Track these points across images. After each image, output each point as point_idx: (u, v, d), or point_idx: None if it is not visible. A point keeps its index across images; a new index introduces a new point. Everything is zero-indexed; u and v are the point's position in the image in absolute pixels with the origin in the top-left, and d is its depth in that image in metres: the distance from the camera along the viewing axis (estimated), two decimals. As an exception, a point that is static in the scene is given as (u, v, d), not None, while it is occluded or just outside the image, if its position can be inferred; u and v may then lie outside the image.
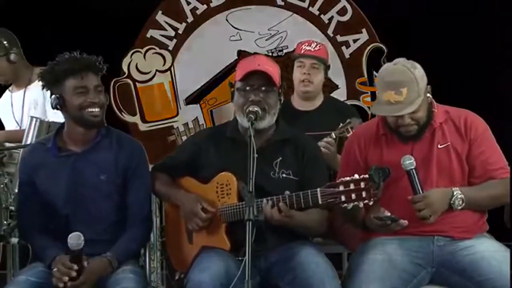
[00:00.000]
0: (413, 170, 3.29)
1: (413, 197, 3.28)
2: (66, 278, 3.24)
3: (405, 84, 3.30)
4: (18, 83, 4.61)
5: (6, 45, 4.56)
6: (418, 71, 3.36)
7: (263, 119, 3.40)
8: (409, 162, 3.29)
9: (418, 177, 3.29)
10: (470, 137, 3.41)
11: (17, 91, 4.61)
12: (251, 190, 3.13)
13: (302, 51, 4.50)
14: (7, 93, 4.72)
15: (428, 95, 3.41)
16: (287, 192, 3.24)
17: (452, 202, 3.32)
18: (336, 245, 4.20)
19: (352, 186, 3.10)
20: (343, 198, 3.12)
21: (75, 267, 3.24)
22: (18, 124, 4.54)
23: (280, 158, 3.45)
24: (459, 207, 3.33)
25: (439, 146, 3.41)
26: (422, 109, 3.37)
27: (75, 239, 3.21)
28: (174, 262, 3.64)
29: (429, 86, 3.41)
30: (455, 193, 3.32)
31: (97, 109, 3.44)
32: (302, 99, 4.54)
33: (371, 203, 3.12)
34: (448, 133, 3.42)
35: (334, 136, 4.23)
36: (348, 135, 4.18)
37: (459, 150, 3.40)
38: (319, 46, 4.52)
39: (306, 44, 4.52)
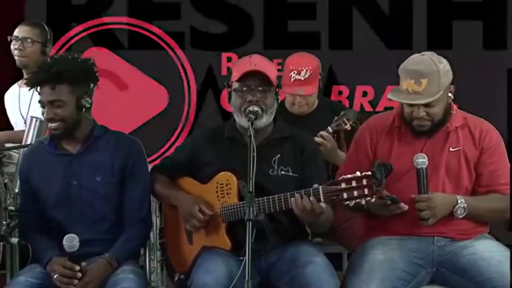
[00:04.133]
0: (424, 169, 3.28)
1: (417, 196, 3.28)
2: (76, 281, 3.25)
3: (427, 75, 3.30)
4: None
5: (48, 37, 4.65)
6: (443, 66, 3.35)
7: (261, 118, 3.39)
8: (422, 160, 3.29)
9: (427, 177, 3.28)
10: (483, 146, 3.40)
11: (27, 87, 4.62)
12: (251, 190, 3.13)
13: (292, 81, 4.29)
14: (15, 87, 4.74)
15: (450, 95, 3.40)
16: (315, 185, 3.20)
17: (454, 210, 3.32)
18: (336, 245, 4.20)
19: (354, 184, 3.10)
20: (345, 195, 3.11)
21: (77, 267, 3.25)
22: (24, 119, 4.54)
23: (279, 156, 3.45)
24: (461, 216, 3.33)
25: (450, 149, 3.40)
26: (439, 105, 3.35)
27: (69, 240, 3.22)
28: (174, 263, 3.63)
29: (453, 86, 3.41)
30: (459, 202, 3.32)
31: (53, 124, 3.42)
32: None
33: (373, 200, 3.11)
34: (462, 138, 3.41)
35: (330, 130, 4.20)
36: (345, 126, 4.15)
37: (469, 156, 3.39)
38: (309, 71, 4.30)
39: (295, 72, 4.31)
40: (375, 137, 3.49)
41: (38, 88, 3.44)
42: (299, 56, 4.45)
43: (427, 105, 3.32)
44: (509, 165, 3.46)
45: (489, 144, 3.40)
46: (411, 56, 3.41)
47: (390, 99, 3.43)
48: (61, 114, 3.41)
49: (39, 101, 3.45)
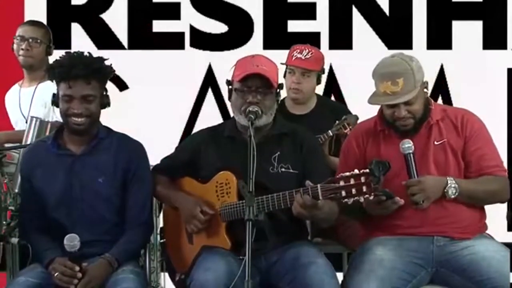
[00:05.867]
0: (411, 154, 3.31)
1: (407, 181, 3.30)
2: (75, 281, 3.26)
3: (402, 75, 3.33)
4: (32, 76, 4.63)
5: (51, 37, 4.68)
6: (415, 64, 3.39)
7: (260, 118, 3.40)
8: (408, 146, 3.32)
9: (415, 162, 3.31)
10: (466, 134, 3.43)
11: (28, 87, 4.63)
12: (251, 189, 3.13)
13: (293, 59, 4.43)
14: (15, 87, 4.74)
15: (426, 90, 3.43)
16: (309, 183, 3.19)
17: (446, 190, 3.33)
18: (336, 245, 4.21)
19: (352, 181, 3.09)
20: (343, 193, 3.11)
21: (77, 268, 3.26)
22: (25, 118, 4.55)
23: (279, 153, 3.46)
24: (453, 196, 3.33)
25: (435, 143, 3.42)
26: (419, 102, 3.39)
27: (70, 240, 3.23)
28: (174, 263, 3.64)
29: (426, 82, 3.44)
30: (449, 182, 3.33)
31: (80, 119, 3.43)
32: (294, 103, 4.52)
33: (371, 197, 3.11)
34: (444, 130, 3.44)
35: (331, 134, 4.23)
36: (345, 131, 4.18)
37: (455, 147, 3.42)
38: (311, 54, 4.44)
39: (298, 50, 4.45)
40: (361, 143, 3.53)
41: (68, 82, 3.40)
42: (306, 44, 4.55)
43: (407, 104, 3.36)
44: (495, 147, 3.49)
45: (471, 131, 3.43)
46: (381, 60, 3.45)
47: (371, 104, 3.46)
48: (91, 109, 3.44)
49: (65, 95, 3.41)
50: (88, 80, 3.41)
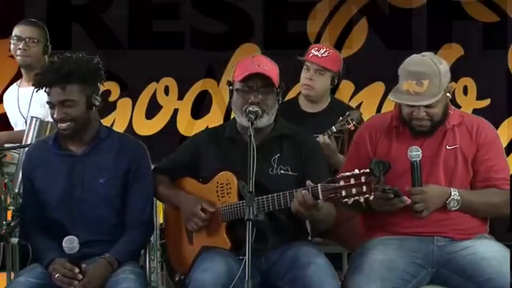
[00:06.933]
0: (418, 162, 3.30)
1: (411, 189, 3.29)
2: (76, 282, 3.27)
3: (428, 76, 3.31)
4: (30, 76, 4.60)
5: (48, 37, 4.66)
6: (443, 67, 3.37)
7: (261, 118, 3.40)
8: (416, 153, 3.30)
9: (421, 171, 3.30)
10: (479, 142, 3.41)
11: (27, 86, 4.62)
12: (251, 190, 3.14)
13: (310, 56, 4.44)
14: (14, 87, 4.74)
15: (448, 95, 3.42)
16: (309, 183, 3.20)
17: (447, 202, 3.33)
18: (336, 245, 4.21)
19: (352, 181, 3.10)
20: (343, 193, 3.11)
21: (76, 269, 3.26)
22: (24, 118, 4.55)
23: (278, 155, 3.46)
24: (454, 209, 3.34)
25: (447, 147, 3.41)
26: (439, 106, 3.37)
27: (68, 242, 3.23)
28: (174, 263, 3.64)
29: (450, 86, 3.43)
30: (452, 194, 3.33)
31: (63, 124, 3.42)
32: (306, 101, 4.54)
33: (371, 197, 3.11)
34: (458, 136, 3.42)
35: (334, 130, 4.23)
36: (348, 126, 4.18)
37: (466, 153, 3.40)
38: (328, 53, 4.44)
39: (316, 48, 4.46)
40: (374, 136, 3.50)
41: (46, 89, 3.42)
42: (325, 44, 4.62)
43: (427, 106, 3.33)
44: (506, 161, 3.48)
45: (485, 140, 3.42)
46: (411, 57, 3.42)
47: (391, 100, 3.45)
48: (72, 114, 3.41)
49: (48, 102, 3.44)
50: (61, 85, 3.38)
